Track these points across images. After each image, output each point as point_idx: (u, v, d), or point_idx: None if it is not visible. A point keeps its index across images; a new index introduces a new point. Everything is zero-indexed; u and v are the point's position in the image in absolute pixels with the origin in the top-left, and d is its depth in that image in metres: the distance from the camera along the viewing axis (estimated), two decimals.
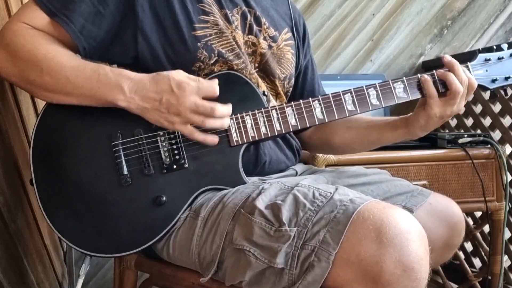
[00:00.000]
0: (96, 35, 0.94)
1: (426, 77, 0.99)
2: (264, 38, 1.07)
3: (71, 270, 1.44)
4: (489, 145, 1.57)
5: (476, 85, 1.00)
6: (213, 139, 0.91)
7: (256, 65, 1.06)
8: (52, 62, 0.88)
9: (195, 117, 0.87)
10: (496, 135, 1.72)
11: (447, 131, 1.99)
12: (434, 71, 0.99)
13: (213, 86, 0.89)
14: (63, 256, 1.56)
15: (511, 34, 2.20)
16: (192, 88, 0.87)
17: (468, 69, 1.02)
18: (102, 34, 0.94)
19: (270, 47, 1.07)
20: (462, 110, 1.01)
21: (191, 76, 0.89)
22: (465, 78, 0.98)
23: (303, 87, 1.22)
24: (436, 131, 2.03)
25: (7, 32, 0.91)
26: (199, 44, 0.97)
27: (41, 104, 1.26)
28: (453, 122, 1.97)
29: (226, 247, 0.83)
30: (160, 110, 0.87)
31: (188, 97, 0.86)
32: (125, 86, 0.87)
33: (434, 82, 0.99)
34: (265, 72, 1.07)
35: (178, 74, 0.88)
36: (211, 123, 0.88)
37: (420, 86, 1.00)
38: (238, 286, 0.83)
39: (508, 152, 1.67)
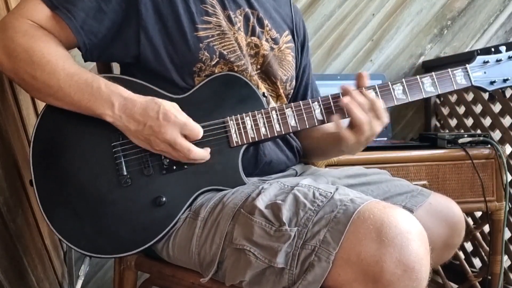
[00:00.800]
0: (97, 31, 0.94)
1: (333, 116, 0.95)
2: (266, 40, 1.07)
3: (71, 270, 1.44)
4: (489, 145, 1.57)
5: (380, 104, 0.94)
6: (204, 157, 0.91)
7: (258, 66, 1.06)
8: (46, 68, 0.88)
9: (172, 152, 0.88)
10: (496, 135, 1.72)
11: (447, 131, 1.99)
12: (340, 100, 0.94)
13: (198, 131, 0.89)
14: (63, 256, 1.56)
15: (511, 34, 2.20)
16: (177, 122, 0.87)
17: (467, 71, 1.01)
18: (103, 31, 0.94)
19: (272, 49, 1.07)
20: (377, 132, 0.95)
21: (183, 113, 0.89)
22: (365, 101, 0.93)
23: (297, 91, 1.21)
24: (436, 131, 2.03)
25: (8, 26, 0.90)
26: (201, 45, 0.97)
27: (41, 104, 1.26)
28: (453, 122, 1.97)
29: (226, 247, 0.83)
30: (143, 134, 0.88)
31: (169, 129, 0.86)
32: (116, 103, 0.87)
33: (338, 110, 0.95)
34: (267, 74, 1.07)
35: (171, 105, 0.89)
36: (188, 161, 0.90)
37: (340, 109, 0.96)
38: (238, 286, 0.83)
39: (508, 152, 1.67)
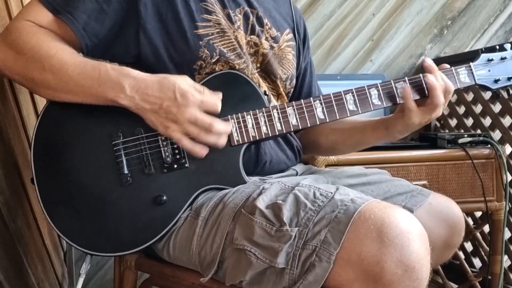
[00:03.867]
0: (98, 32, 0.94)
1: (406, 88, 0.96)
2: (266, 39, 1.07)
3: (71, 270, 1.44)
4: (489, 145, 1.57)
5: (452, 89, 0.97)
6: (200, 151, 0.90)
7: (258, 65, 1.06)
8: (54, 60, 0.88)
9: (191, 128, 0.87)
10: (496, 135, 1.72)
11: (447, 131, 1.99)
12: (421, 76, 0.97)
13: (216, 103, 0.88)
14: (63, 256, 1.56)
15: (511, 34, 2.20)
16: (195, 100, 0.86)
17: (471, 69, 1.01)
18: (105, 32, 0.95)
19: (271, 47, 1.07)
20: (439, 115, 0.98)
21: (197, 86, 0.89)
22: (442, 83, 0.96)
23: (300, 90, 1.21)
24: (436, 131, 2.03)
25: (12, 29, 0.91)
26: (201, 42, 0.97)
27: (41, 104, 1.26)
28: (453, 122, 1.97)
29: (226, 247, 0.83)
30: (159, 114, 0.87)
31: (189, 108, 0.86)
32: (125, 84, 0.87)
33: (413, 88, 0.97)
34: (267, 72, 1.07)
35: (184, 82, 0.88)
36: (206, 138, 0.88)
37: (422, 87, 0.97)
38: (239, 286, 0.83)
39: (508, 152, 1.67)
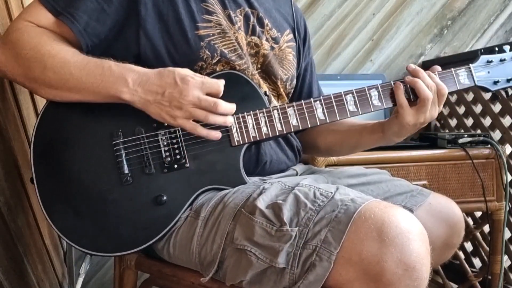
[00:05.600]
0: (99, 33, 0.94)
1: (398, 85, 0.97)
2: (267, 40, 1.07)
3: (71, 270, 1.44)
4: (489, 145, 1.57)
5: (446, 90, 0.97)
6: (215, 134, 0.89)
7: (259, 66, 1.06)
8: (55, 58, 0.89)
9: (197, 112, 0.86)
10: (496, 135, 1.72)
11: (447, 131, 1.99)
12: (405, 78, 0.98)
13: (217, 83, 0.88)
14: (63, 256, 1.56)
15: (511, 34, 2.20)
16: (196, 82, 0.86)
17: (470, 71, 1.01)
18: (106, 32, 0.95)
19: (272, 48, 1.07)
20: (434, 116, 0.98)
21: (197, 74, 0.89)
22: (432, 83, 0.96)
23: (300, 90, 1.21)
24: (436, 131, 2.03)
25: (12, 30, 0.91)
26: (202, 43, 0.97)
27: (41, 104, 1.26)
28: (453, 122, 1.97)
29: (227, 247, 0.83)
30: (162, 103, 0.86)
31: (191, 91, 0.85)
32: (128, 78, 0.87)
33: (406, 91, 0.97)
34: (267, 73, 1.07)
35: (184, 69, 0.88)
36: (215, 118, 0.87)
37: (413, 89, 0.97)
38: (239, 286, 0.83)
39: (508, 152, 1.67)
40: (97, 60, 0.90)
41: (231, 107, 0.89)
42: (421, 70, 0.97)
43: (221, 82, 0.88)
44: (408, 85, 0.97)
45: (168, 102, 0.86)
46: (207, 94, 0.87)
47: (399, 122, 0.97)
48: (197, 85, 0.86)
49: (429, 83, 0.96)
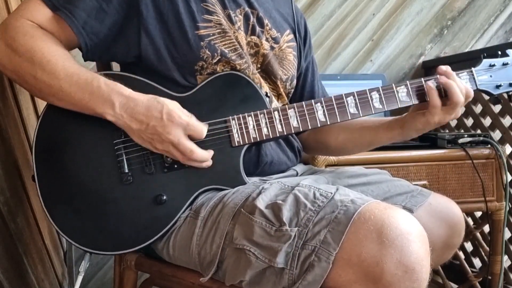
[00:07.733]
0: (98, 31, 0.94)
1: (431, 85, 0.97)
2: (267, 39, 1.07)
3: (71, 270, 1.44)
4: (489, 145, 1.57)
5: (472, 94, 0.98)
6: (200, 164, 0.91)
7: (259, 65, 1.06)
8: (47, 68, 0.88)
9: (174, 152, 0.88)
10: (496, 135, 1.72)
11: (447, 131, 1.99)
12: (438, 77, 0.97)
13: (202, 130, 0.89)
14: (63, 256, 1.56)
15: (511, 34, 2.20)
16: (181, 122, 0.87)
17: (472, 75, 1.01)
18: (105, 31, 0.94)
19: (272, 48, 1.07)
20: (457, 116, 0.99)
21: (185, 111, 0.89)
22: (463, 87, 0.96)
23: (302, 89, 1.21)
24: (436, 131, 2.03)
25: (9, 27, 0.91)
26: (202, 43, 0.97)
27: (41, 104, 1.26)
28: (453, 122, 1.97)
29: (226, 246, 0.84)
30: (145, 134, 0.88)
31: (173, 130, 0.86)
32: (116, 102, 0.87)
33: (439, 91, 0.97)
34: (267, 73, 1.07)
35: (173, 104, 0.88)
36: (190, 162, 0.90)
37: (423, 91, 0.98)
38: (238, 286, 0.83)
39: (508, 152, 1.67)
40: (88, 75, 0.89)
41: (207, 156, 0.90)
42: (453, 72, 0.97)
43: (205, 129, 0.90)
44: (441, 86, 0.97)
45: (150, 134, 0.87)
46: (190, 136, 0.88)
47: (426, 120, 0.97)
48: (181, 125, 0.87)
49: (461, 87, 0.96)
